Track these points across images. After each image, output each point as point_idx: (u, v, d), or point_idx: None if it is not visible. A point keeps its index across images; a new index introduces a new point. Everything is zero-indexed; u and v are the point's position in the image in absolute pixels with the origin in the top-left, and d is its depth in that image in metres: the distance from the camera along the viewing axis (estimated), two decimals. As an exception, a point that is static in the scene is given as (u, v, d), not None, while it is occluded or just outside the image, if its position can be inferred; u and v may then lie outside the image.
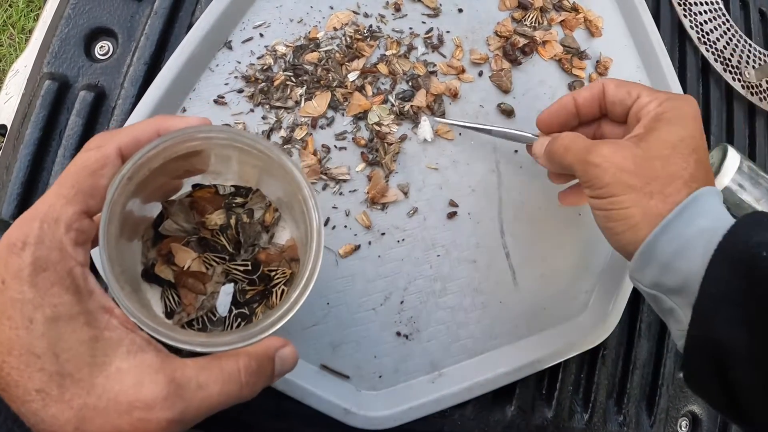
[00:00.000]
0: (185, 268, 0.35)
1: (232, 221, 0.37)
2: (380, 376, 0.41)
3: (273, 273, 0.36)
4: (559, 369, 0.46)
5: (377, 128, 0.43)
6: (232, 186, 0.37)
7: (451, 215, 0.44)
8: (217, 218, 0.36)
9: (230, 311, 0.35)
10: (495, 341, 0.44)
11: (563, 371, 0.46)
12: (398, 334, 0.42)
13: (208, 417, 0.26)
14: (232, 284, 0.36)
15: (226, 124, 0.43)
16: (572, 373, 0.46)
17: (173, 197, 0.36)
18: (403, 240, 0.43)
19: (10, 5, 1.07)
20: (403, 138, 0.44)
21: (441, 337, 0.43)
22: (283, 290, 0.36)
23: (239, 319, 0.35)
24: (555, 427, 0.45)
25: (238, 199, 0.37)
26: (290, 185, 0.30)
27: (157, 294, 0.35)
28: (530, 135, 0.41)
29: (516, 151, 0.46)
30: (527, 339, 0.44)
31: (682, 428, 0.50)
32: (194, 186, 0.36)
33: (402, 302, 0.42)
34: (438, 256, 0.43)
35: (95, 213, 0.27)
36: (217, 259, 0.36)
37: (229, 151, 0.31)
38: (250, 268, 0.36)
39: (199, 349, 0.26)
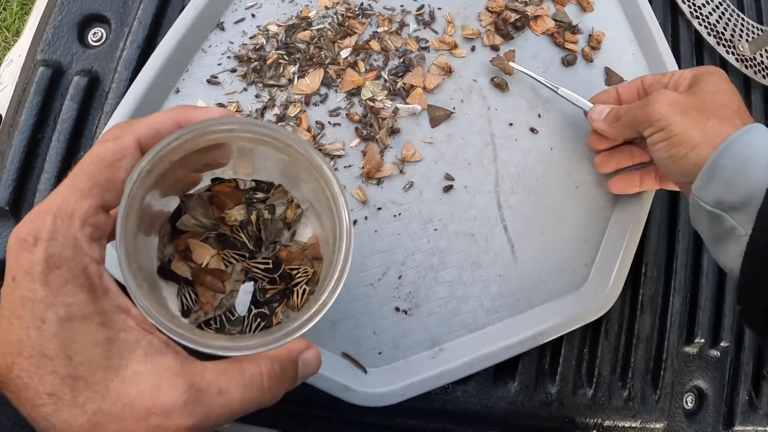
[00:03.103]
0: (203, 265, 0.34)
1: (253, 217, 0.35)
2: (380, 353, 0.41)
3: (294, 272, 0.35)
4: (562, 343, 0.45)
5: (371, 104, 0.43)
6: (252, 181, 0.36)
7: (448, 189, 0.44)
8: (237, 214, 0.35)
9: (249, 311, 0.34)
10: (495, 315, 0.43)
11: (566, 346, 0.45)
12: (397, 309, 0.42)
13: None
14: (252, 283, 0.34)
15: (220, 104, 0.43)
16: (575, 347, 0.46)
17: (191, 191, 0.34)
18: (399, 214, 0.42)
19: (3, 8, 1.08)
20: (396, 112, 0.44)
21: (441, 311, 0.42)
22: (304, 290, 0.34)
23: (258, 319, 0.34)
24: (559, 403, 0.45)
25: (259, 195, 0.35)
26: (317, 181, 0.28)
27: (173, 291, 0.34)
28: (588, 103, 0.44)
29: (511, 124, 0.46)
30: (528, 312, 0.44)
31: (688, 403, 0.49)
32: (213, 180, 0.35)
33: (400, 277, 0.42)
34: (435, 230, 0.43)
35: (111, 207, 0.25)
36: (236, 257, 0.34)
37: (252, 144, 0.29)
38: (270, 266, 0.34)
39: (220, 353, 0.25)
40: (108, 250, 0.26)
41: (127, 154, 0.25)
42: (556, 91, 0.44)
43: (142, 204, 0.27)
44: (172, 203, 0.34)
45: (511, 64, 0.45)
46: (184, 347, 0.25)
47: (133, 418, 0.22)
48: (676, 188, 0.42)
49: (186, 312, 0.34)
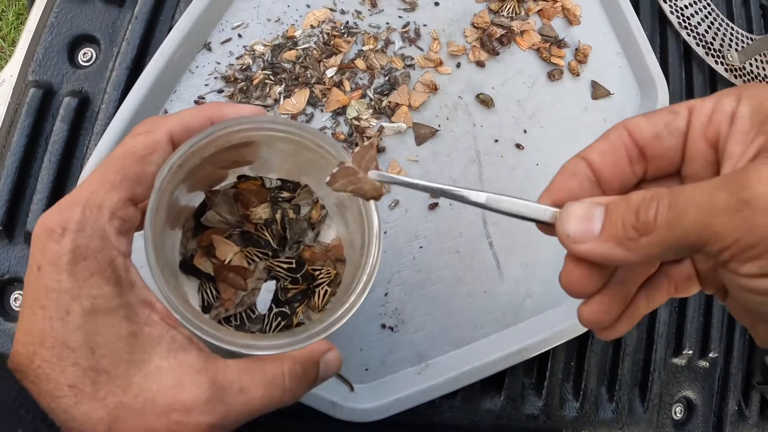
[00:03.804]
0: (226, 262, 0.34)
1: (278, 216, 0.35)
2: (367, 369, 0.42)
3: (317, 272, 0.35)
4: (548, 357, 0.45)
5: (356, 123, 0.44)
6: (278, 179, 0.35)
7: (433, 206, 0.44)
8: (262, 212, 0.35)
9: (270, 309, 0.34)
10: (481, 331, 0.44)
11: (552, 359, 0.46)
12: (383, 326, 0.42)
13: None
14: (274, 281, 0.34)
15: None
16: (561, 361, 0.46)
17: (217, 187, 0.34)
18: (385, 232, 0.43)
19: (-1, 18, 1.09)
20: (381, 131, 0.44)
21: (427, 328, 0.43)
22: (326, 291, 0.34)
23: (279, 318, 0.34)
24: (546, 416, 0.45)
25: (285, 194, 0.35)
26: None
27: (194, 287, 0.34)
28: (543, 206, 0.23)
29: (496, 140, 0.46)
30: (514, 327, 0.44)
31: (677, 414, 0.49)
32: (239, 177, 0.35)
33: (386, 294, 0.42)
34: (421, 247, 0.43)
35: (140, 201, 0.25)
36: (259, 255, 0.34)
37: (282, 143, 0.29)
38: (293, 265, 0.34)
39: (245, 351, 0.25)
40: (134, 243, 0.26)
41: (159, 148, 0.25)
42: (471, 201, 0.24)
43: (171, 198, 0.27)
44: (198, 198, 0.34)
45: (371, 174, 0.26)
46: (206, 343, 0.25)
47: (153, 413, 0.22)
48: (695, 291, 0.25)
49: (206, 308, 0.34)
